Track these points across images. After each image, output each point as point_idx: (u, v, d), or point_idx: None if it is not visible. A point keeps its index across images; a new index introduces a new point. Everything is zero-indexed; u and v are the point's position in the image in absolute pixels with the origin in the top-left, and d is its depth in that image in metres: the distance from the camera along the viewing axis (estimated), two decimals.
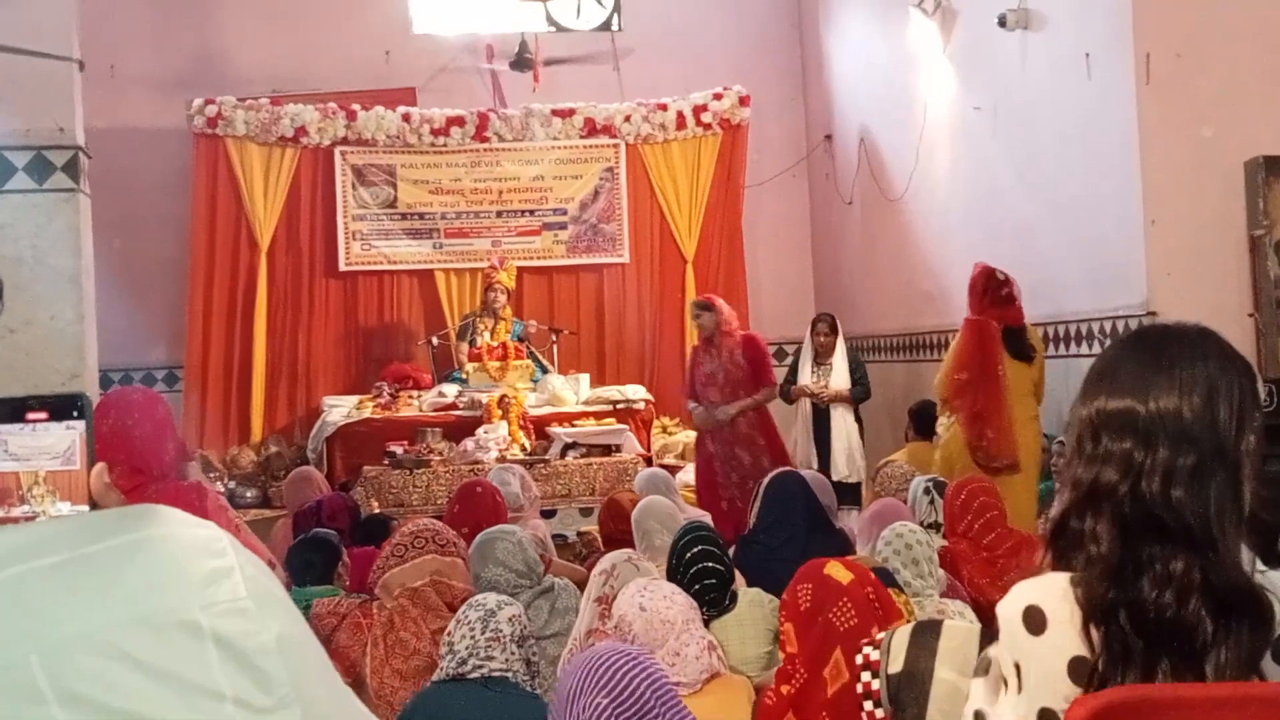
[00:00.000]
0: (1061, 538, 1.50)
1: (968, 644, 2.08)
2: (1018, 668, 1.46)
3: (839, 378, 7.84)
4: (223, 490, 8.00)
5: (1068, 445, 1.55)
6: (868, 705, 2.18)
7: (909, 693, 2.11)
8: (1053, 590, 1.47)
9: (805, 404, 7.89)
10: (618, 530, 5.29)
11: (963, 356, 6.11)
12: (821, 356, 7.94)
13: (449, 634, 3.02)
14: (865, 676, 2.20)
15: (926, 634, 2.16)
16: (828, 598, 2.72)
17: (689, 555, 3.78)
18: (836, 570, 2.78)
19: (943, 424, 6.41)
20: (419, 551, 3.70)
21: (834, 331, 7.93)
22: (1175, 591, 1.38)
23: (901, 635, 2.20)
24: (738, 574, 3.95)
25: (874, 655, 2.20)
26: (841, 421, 7.82)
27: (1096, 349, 6.13)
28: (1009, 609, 1.50)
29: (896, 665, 2.14)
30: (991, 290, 6.13)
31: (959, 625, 2.23)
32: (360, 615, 3.60)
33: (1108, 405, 1.48)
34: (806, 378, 7.91)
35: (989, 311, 6.10)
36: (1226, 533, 1.38)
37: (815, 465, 7.47)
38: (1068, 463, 1.53)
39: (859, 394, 7.89)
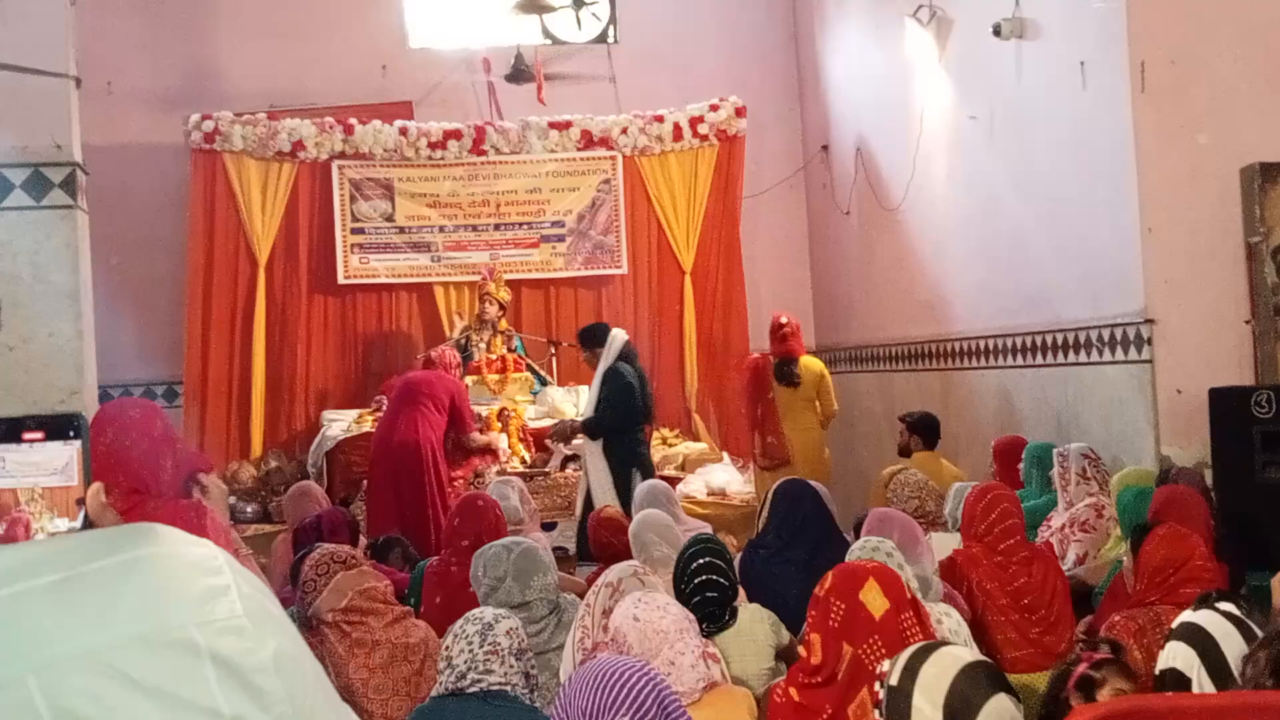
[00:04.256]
0: None
1: (944, 675, 2.13)
2: None
3: (587, 406, 6.84)
4: None
5: None
6: (876, 714, 2.25)
7: (895, 713, 2.17)
8: None
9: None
10: (612, 540, 5.29)
11: (743, 387, 8.01)
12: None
13: (447, 648, 3.01)
14: (878, 686, 2.26)
15: (919, 656, 2.22)
16: (858, 631, 2.74)
17: (693, 566, 3.77)
18: (872, 598, 2.77)
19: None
20: (328, 577, 3.75)
21: (586, 347, 6.99)
22: None
23: (907, 651, 2.26)
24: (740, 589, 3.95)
25: (885, 667, 2.27)
26: (594, 462, 6.76)
27: (1094, 357, 6.14)
28: None
29: (894, 680, 2.20)
30: (772, 332, 7.92)
31: (948, 653, 2.26)
32: (309, 635, 3.62)
33: None
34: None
35: (773, 347, 7.87)
36: None
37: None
38: None
39: (589, 424, 6.62)
